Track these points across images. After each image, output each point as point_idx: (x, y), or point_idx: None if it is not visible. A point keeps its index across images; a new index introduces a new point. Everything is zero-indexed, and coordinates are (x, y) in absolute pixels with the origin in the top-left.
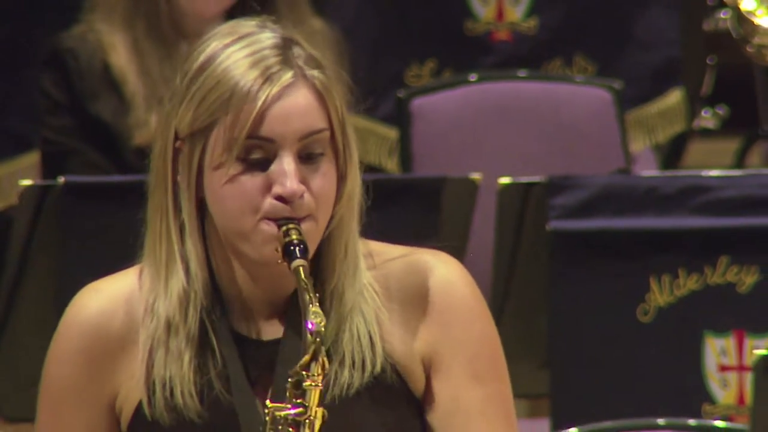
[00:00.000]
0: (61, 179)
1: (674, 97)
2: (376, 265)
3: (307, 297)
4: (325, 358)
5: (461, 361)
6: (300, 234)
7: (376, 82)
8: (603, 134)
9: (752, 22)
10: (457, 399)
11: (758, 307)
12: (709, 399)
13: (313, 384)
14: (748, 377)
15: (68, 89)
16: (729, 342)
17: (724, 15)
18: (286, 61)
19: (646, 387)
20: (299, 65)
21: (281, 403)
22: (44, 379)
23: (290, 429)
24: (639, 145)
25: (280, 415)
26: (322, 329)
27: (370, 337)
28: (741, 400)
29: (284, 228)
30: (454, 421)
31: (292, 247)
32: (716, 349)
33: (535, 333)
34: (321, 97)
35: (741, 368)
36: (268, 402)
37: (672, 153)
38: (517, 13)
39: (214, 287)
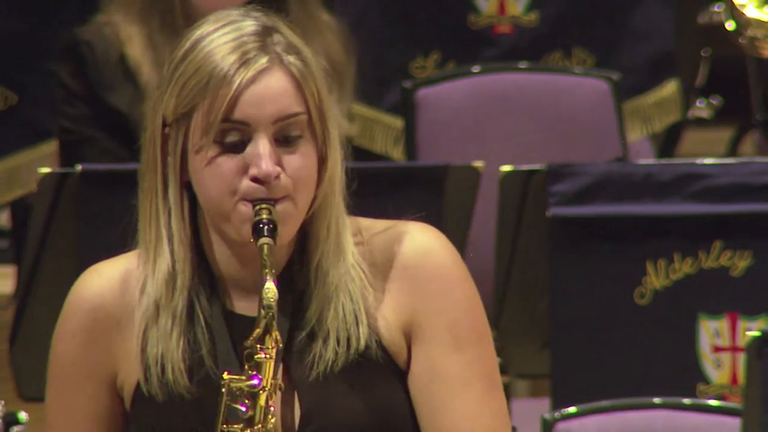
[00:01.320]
0: (78, 167)
1: (670, 87)
2: (364, 240)
3: (265, 273)
4: (277, 333)
5: (440, 329)
6: (270, 214)
7: (383, 74)
8: (601, 124)
9: (745, 15)
10: (437, 367)
11: (751, 290)
12: (704, 379)
13: (266, 357)
14: (741, 358)
15: (85, 80)
16: (722, 324)
17: (717, 8)
18: (264, 47)
19: (642, 367)
20: (277, 51)
21: (237, 375)
22: (51, 357)
23: (246, 400)
24: (636, 134)
25: (235, 387)
26: (273, 303)
27: (356, 316)
28: (734, 380)
29: (256, 207)
30: (435, 389)
31: (261, 225)
32: (710, 331)
33: (536, 315)
34: (297, 82)
35: (734, 349)
36: (225, 374)
37: (667, 142)
38: (518, 7)
39: (205, 266)
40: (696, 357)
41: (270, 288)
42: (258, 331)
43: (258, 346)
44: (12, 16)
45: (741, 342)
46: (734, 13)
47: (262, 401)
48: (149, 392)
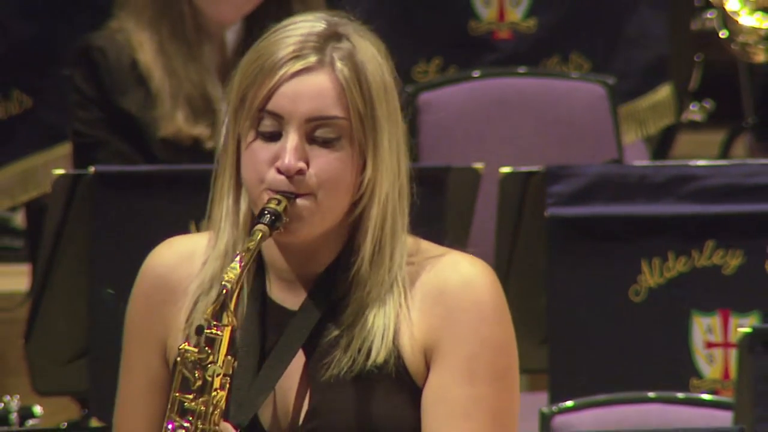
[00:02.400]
0: (92, 169)
1: (664, 91)
2: (415, 262)
3: (240, 252)
4: (233, 314)
5: (459, 357)
6: (279, 204)
7: None
8: (597, 127)
9: (737, 22)
10: (445, 391)
11: (742, 288)
12: (697, 374)
13: (216, 332)
14: (733, 353)
15: (98, 84)
16: (715, 320)
17: (710, 15)
18: (320, 48)
19: (637, 362)
20: (332, 55)
21: (195, 347)
22: (125, 320)
23: (196, 372)
24: (631, 136)
25: (187, 356)
26: (232, 281)
27: (383, 331)
28: (726, 374)
29: (271, 197)
30: (437, 410)
31: (265, 212)
32: (703, 327)
33: (535, 312)
34: (341, 87)
35: (726, 345)
36: (183, 344)
37: (662, 144)
38: (517, 14)
39: (259, 251)
40: (689, 353)
41: (233, 268)
42: (213, 307)
43: (214, 322)
44: (27, 23)
45: (733, 338)
46: (726, 20)
47: (209, 374)
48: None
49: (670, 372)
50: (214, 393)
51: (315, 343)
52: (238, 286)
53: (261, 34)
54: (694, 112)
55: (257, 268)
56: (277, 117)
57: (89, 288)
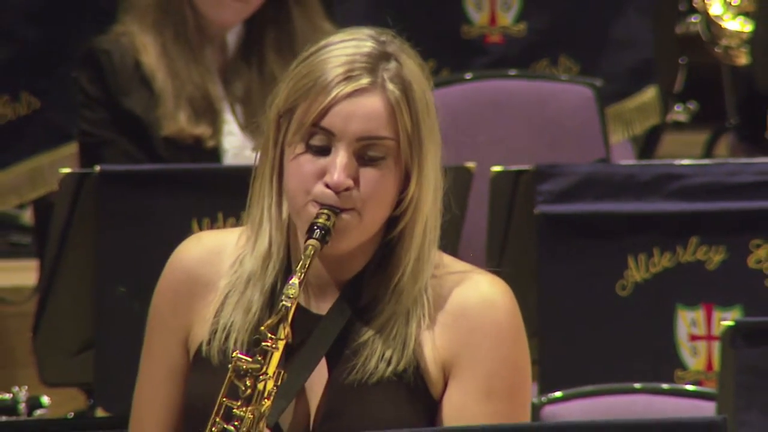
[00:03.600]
0: (97, 168)
1: (649, 93)
2: (439, 275)
3: (298, 270)
4: (289, 329)
5: (477, 376)
6: (328, 219)
7: None
8: (585, 127)
9: (720, 26)
10: (464, 408)
11: (725, 283)
12: (681, 365)
13: (271, 346)
14: (716, 346)
15: (103, 86)
16: (699, 314)
17: (694, 19)
18: (372, 70)
19: (624, 355)
20: (382, 76)
21: (249, 356)
22: (149, 309)
23: (248, 381)
24: (617, 137)
25: (240, 365)
26: (292, 298)
27: (405, 340)
28: (709, 366)
29: (319, 211)
30: (453, 425)
31: (314, 228)
32: (687, 321)
33: (525, 306)
34: (391, 109)
35: (709, 338)
36: (235, 353)
37: (647, 144)
38: (508, 18)
39: (288, 255)
40: (674, 345)
41: (293, 285)
42: (272, 321)
43: (269, 334)
44: (35, 28)
45: (716, 331)
46: (710, 24)
47: (261, 385)
48: (207, 354)
49: (656, 364)
50: (263, 402)
51: (339, 348)
52: (295, 303)
53: (262, 36)
54: (679, 113)
55: (286, 271)
56: (329, 134)
57: (95, 283)
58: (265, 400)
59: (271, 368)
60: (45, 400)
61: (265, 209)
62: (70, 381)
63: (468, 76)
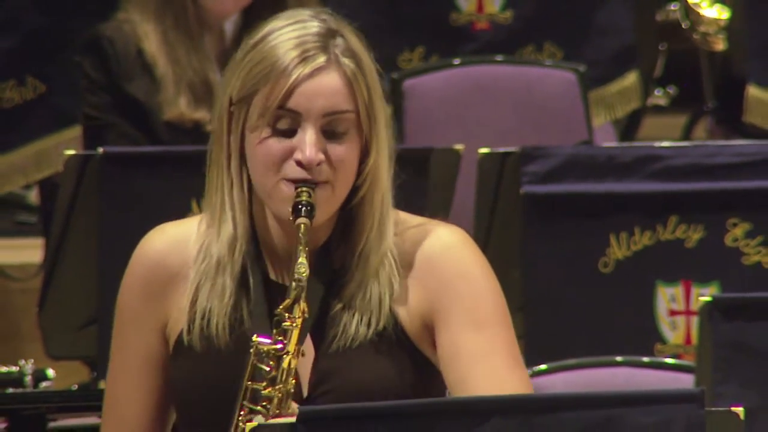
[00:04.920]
0: (101, 150)
1: (630, 78)
2: (398, 232)
3: (299, 249)
4: (305, 303)
5: (460, 312)
6: (310, 196)
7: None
8: (569, 111)
9: (698, 13)
10: (458, 345)
11: (703, 260)
12: (661, 339)
13: (292, 325)
14: (695, 321)
15: (106, 71)
16: (678, 290)
17: (673, 7)
18: (324, 47)
19: (606, 329)
20: (335, 53)
21: (266, 338)
22: (117, 302)
23: (271, 362)
24: (600, 120)
25: (263, 349)
26: (304, 278)
27: (380, 299)
28: (688, 340)
29: (298, 189)
30: (457, 364)
31: (300, 207)
32: (667, 297)
33: (511, 282)
34: (349, 82)
35: (688, 313)
36: (255, 337)
37: (628, 127)
38: (495, 6)
39: (254, 235)
40: (654, 320)
41: (303, 263)
42: (288, 302)
43: (287, 314)
44: (41, 14)
45: (694, 306)
46: (689, 11)
47: (285, 364)
48: (189, 342)
49: (637, 338)
50: (289, 380)
51: (320, 316)
52: (309, 280)
53: (257, 26)
54: (659, 97)
55: (256, 252)
56: (295, 114)
57: (98, 260)
58: (291, 379)
59: (292, 346)
60: (50, 372)
61: (226, 195)
62: (74, 354)
63: (456, 61)
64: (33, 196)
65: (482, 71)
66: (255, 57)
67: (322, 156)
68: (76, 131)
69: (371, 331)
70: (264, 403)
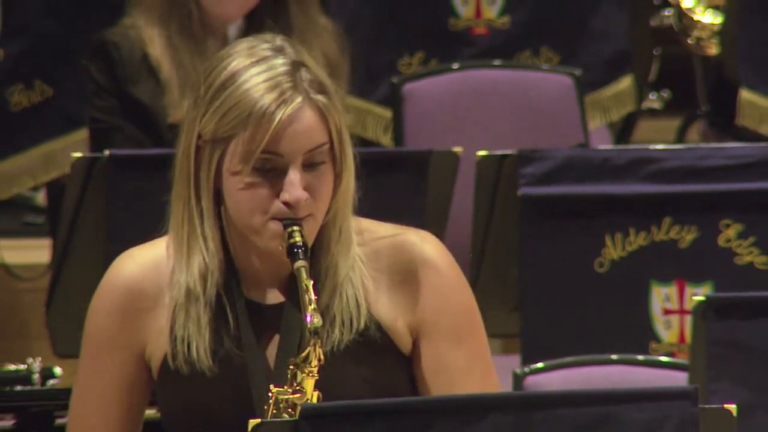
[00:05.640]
0: (107, 152)
1: (625, 82)
2: (365, 242)
3: (307, 298)
4: (321, 350)
5: (443, 327)
6: (302, 236)
7: (374, 70)
8: (565, 114)
9: (692, 18)
10: (440, 358)
11: (696, 261)
12: (655, 338)
13: (309, 374)
14: (688, 320)
15: (112, 75)
16: (672, 290)
17: (667, 13)
18: (296, 86)
19: (601, 328)
20: (305, 89)
21: (282, 387)
22: (85, 329)
23: (290, 410)
24: (596, 123)
25: (281, 398)
26: (318, 329)
27: (356, 300)
28: (682, 339)
29: (289, 230)
30: (440, 377)
31: (295, 249)
32: (661, 296)
33: (508, 282)
34: (323, 115)
35: (682, 312)
36: (272, 386)
37: (623, 130)
38: (492, 12)
39: (228, 261)
40: (648, 319)
41: (316, 311)
42: (304, 355)
43: (303, 364)
44: (49, 20)
45: (688, 306)
46: (682, 16)
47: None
48: (175, 366)
49: (631, 336)
50: None
51: (302, 333)
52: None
53: (261, 29)
54: (653, 100)
55: (227, 279)
56: (279, 156)
57: (104, 260)
58: None
59: (308, 392)
60: (57, 370)
61: (197, 228)
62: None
63: (455, 66)
64: (41, 198)
65: (480, 75)
66: (228, 101)
67: (306, 194)
68: (82, 134)
69: (354, 331)
70: None
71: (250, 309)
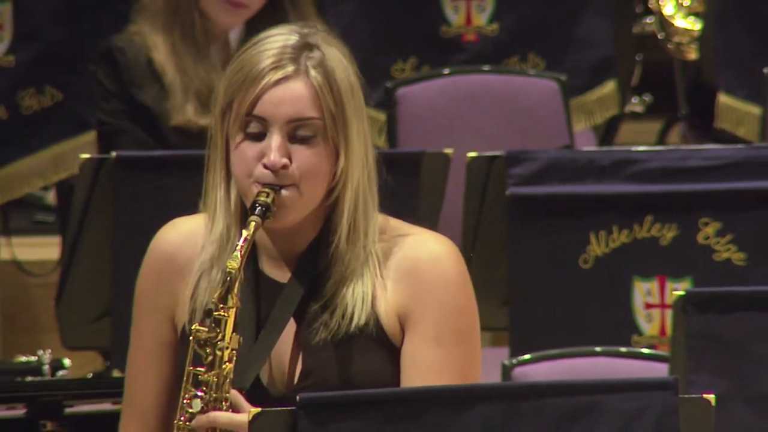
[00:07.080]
0: (114, 154)
1: (609, 87)
2: (387, 238)
3: (239, 245)
4: (236, 295)
5: (427, 323)
6: (268, 197)
7: (368, 75)
8: (551, 117)
9: (672, 25)
10: (417, 354)
11: (677, 257)
12: (637, 331)
13: (224, 314)
14: (669, 314)
15: (118, 80)
16: (653, 285)
17: (649, 20)
18: (296, 59)
19: (586, 321)
20: (306, 64)
21: (204, 326)
22: (135, 292)
23: (207, 348)
24: (580, 125)
25: (200, 336)
26: (234, 268)
27: (363, 298)
28: (663, 332)
29: (259, 190)
30: (412, 371)
31: (256, 205)
32: (643, 291)
33: (497, 277)
34: (314, 92)
35: (663, 306)
36: (195, 325)
37: (607, 132)
38: (482, 19)
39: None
40: (631, 313)
41: (236, 257)
42: (220, 292)
43: (220, 304)
44: (59, 27)
45: (669, 300)
46: (663, 23)
47: (218, 352)
48: (191, 333)
49: (615, 329)
50: (224, 366)
51: (303, 312)
52: (240, 272)
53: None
54: (635, 104)
55: (252, 249)
56: (262, 120)
57: (111, 256)
58: (226, 363)
59: (227, 334)
60: (67, 362)
61: (218, 197)
62: (90, 345)
63: (446, 71)
64: (51, 197)
65: (470, 80)
66: (237, 66)
67: (285, 160)
68: (90, 136)
69: (353, 325)
70: (204, 388)
71: (258, 281)
